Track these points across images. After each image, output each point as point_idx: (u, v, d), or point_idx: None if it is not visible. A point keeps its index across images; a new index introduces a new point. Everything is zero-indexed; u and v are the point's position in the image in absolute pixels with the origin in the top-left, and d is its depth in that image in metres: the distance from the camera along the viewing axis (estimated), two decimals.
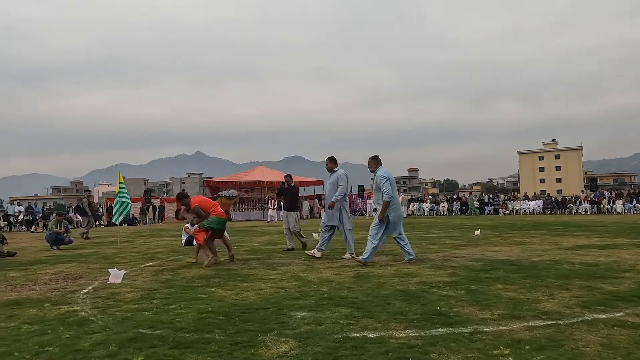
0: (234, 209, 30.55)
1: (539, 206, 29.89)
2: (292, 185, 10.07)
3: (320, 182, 32.06)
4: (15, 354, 3.13)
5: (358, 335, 3.35)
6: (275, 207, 25.09)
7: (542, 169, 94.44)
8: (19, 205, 27.66)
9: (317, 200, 32.08)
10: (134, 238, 14.43)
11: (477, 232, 12.04)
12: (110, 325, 3.79)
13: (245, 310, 4.17)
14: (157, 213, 28.91)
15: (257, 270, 6.61)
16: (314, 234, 12.47)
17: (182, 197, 8.11)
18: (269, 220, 25.47)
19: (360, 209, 32.17)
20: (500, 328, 3.44)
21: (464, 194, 46.08)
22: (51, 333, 3.61)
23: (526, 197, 33.26)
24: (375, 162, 7.19)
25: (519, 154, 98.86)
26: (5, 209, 26.75)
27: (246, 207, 30.55)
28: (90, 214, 16.06)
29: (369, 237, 6.88)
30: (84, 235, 14.78)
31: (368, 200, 32.51)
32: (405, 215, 28.91)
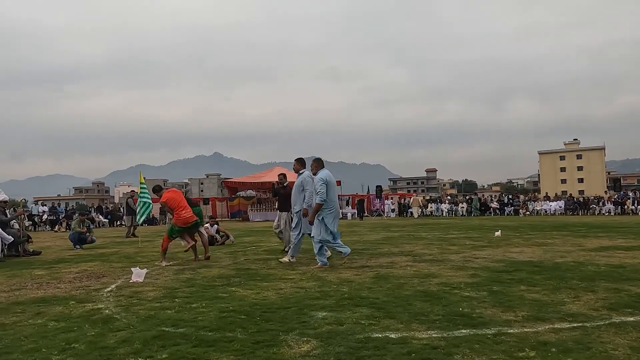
0: (251, 210, 30.76)
1: (560, 207, 29.35)
2: (285, 185, 10.00)
3: (338, 183, 32.01)
4: (43, 350, 3.20)
5: (380, 335, 3.33)
6: None
7: (563, 169, 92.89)
8: (43, 205, 28.31)
9: None
10: (154, 238, 14.61)
11: (498, 233, 11.88)
12: (134, 323, 3.85)
13: (266, 309, 4.19)
14: None
15: (277, 270, 6.64)
16: None
17: (156, 191, 8.29)
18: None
19: (378, 209, 32.02)
20: (525, 330, 3.38)
21: (482, 195, 45.55)
22: (77, 330, 3.67)
23: (547, 198, 32.70)
24: (317, 164, 7.15)
25: (540, 154, 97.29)
26: (29, 209, 27.36)
27: (264, 207, 30.70)
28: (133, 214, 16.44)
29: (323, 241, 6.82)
30: (128, 234, 15.53)
31: (386, 201, 32.36)
32: (419, 215, 28.66)
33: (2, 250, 9.41)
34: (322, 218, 6.80)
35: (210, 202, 31.71)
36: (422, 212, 30.45)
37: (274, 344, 3.19)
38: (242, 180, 33.22)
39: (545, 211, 29.22)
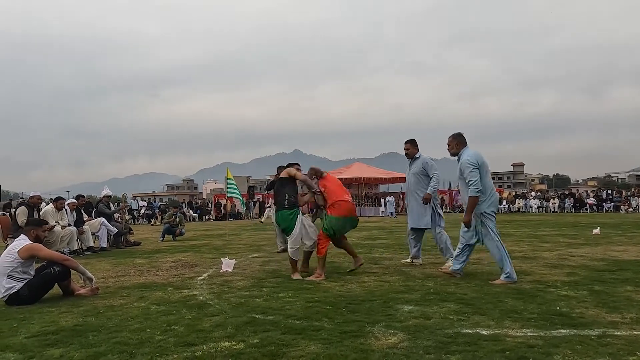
0: None
1: None
2: None
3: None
4: (148, 330, 3.46)
5: (470, 331, 3.21)
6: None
7: None
8: (142, 200, 30.77)
9: None
10: (239, 232, 15.26)
11: (596, 231, 10.99)
12: (226, 309, 4.04)
13: (351, 301, 4.21)
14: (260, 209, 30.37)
15: None
16: None
17: (315, 173, 6.09)
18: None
19: (460, 205, 30.94)
20: (635, 333, 3.10)
21: (577, 190, 42.27)
22: (176, 314, 3.93)
23: None
24: (458, 141, 5.28)
25: None
26: (130, 204, 29.85)
27: None
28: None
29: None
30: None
31: None
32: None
33: (108, 241, 10.33)
34: (482, 214, 5.01)
35: None
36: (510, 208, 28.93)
37: (361, 334, 3.19)
38: None
39: None
